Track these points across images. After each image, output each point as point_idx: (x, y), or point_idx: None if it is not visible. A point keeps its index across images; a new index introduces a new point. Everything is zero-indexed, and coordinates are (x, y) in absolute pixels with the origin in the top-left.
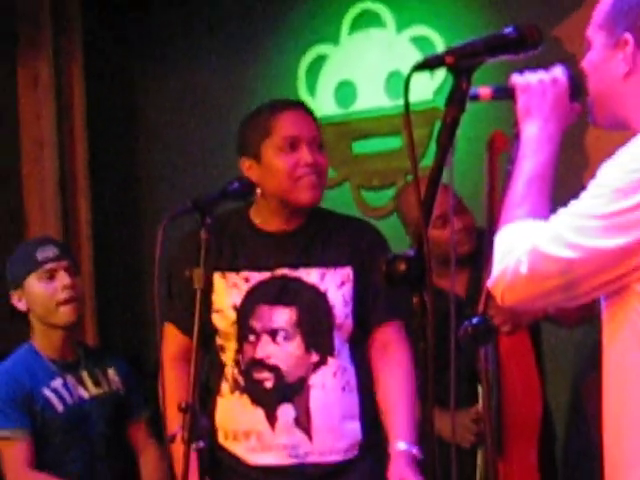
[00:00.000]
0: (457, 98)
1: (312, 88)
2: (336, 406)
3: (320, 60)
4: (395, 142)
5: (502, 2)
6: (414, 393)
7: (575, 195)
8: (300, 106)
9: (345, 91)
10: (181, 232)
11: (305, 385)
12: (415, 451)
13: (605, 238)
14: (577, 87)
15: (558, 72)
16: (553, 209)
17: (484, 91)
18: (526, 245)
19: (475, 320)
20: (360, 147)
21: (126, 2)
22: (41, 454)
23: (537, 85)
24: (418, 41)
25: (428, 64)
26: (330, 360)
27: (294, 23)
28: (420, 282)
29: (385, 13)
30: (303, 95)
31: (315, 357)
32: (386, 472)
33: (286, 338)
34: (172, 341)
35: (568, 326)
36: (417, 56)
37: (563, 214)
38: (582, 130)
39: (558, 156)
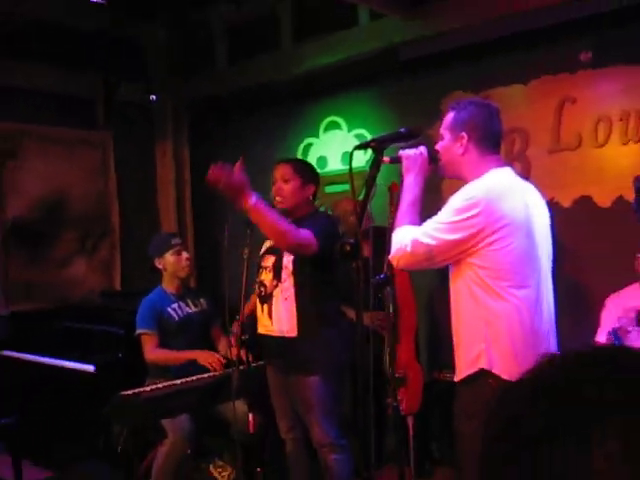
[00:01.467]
0: (376, 164)
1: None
2: (281, 307)
3: (309, 146)
4: (346, 187)
5: (402, 116)
6: None
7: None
8: (281, 162)
9: (321, 161)
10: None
11: (272, 295)
12: None
13: (450, 234)
14: (432, 157)
15: (422, 149)
16: (423, 220)
17: (386, 159)
18: (411, 237)
19: (382, 275)
20: (329, 189)
21: (212, 114)
22: (165, 342)
23: (412, 155)
24: (359, 136)
25: (362, 146)
26: (280, 284)
27: (296, 127)
28: (357, 256)
29: (342, 122)
30: None
31: (275, 282)
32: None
33: (269, 271)
34: None
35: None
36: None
37: (430, 221)
38: (440, 181)
39: (423, 193)
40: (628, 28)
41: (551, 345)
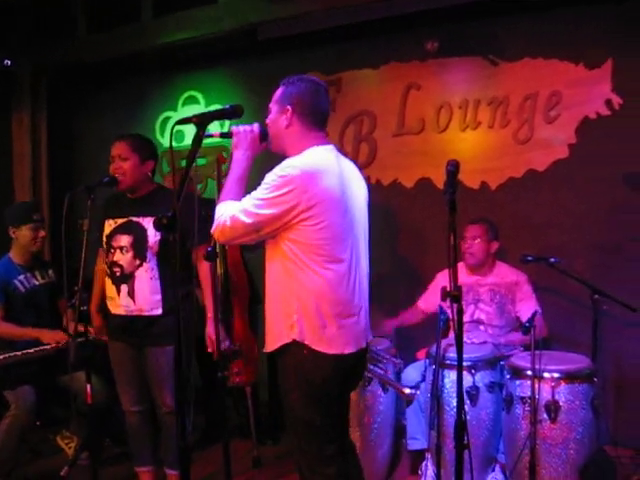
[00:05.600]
0: (197, 140)
1: (162, 133)
2: (146, 287)
3: (167, 119)
4: (201, 161)
5: (258, 94)
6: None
7: None
8: (117, 139)
9: (179, 135)
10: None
11: (133, 275)
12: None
13: (265, 210)
14: (264, 135)
15: (255, 126)
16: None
17: (216, 133)
18: (230, 212)
19: (210, 249)
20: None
21: (72, 84)
22: (10, 315)
23: (242, 132)
24: None
25: (183, 121)
26: (144, 264)
27: (155, 100)
28: (173, 228)
29: (200, 97)
30: (158, 137)
31: (138, 261)
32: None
33: (126, 251)
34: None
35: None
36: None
37: (248, 197)
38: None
39: (250, 169)
40: (471, 22)
41: (362, 316)
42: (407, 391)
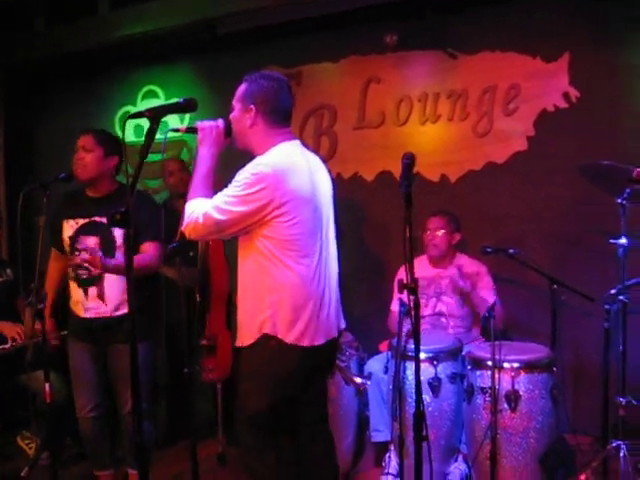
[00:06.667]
0: (150, 133)
1: (122, 128)
2: (115, 287)
3: (126, 113)
4: (159, 156)
5: (218, 89)
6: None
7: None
8: (83, 132)
9: (139, 129)
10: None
11: (102, 277)
12: None
13: (237, 207)
14: (229, 130)
15: (220, 121)
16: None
17: (182, 128)
18: (202, 210)
19: (174, 244)
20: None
21: (30, 79)
22: None
23: (208, 127)
24: None
25: (136, 115)
26: None
27: (115, 95)
28: (128, 223)
29: (160, 91)
30: (118, 131)
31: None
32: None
33: (93, 252)
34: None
35: None
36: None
37: (220, 195)
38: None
39: (216, 165)
40: (429, 15)
41: (332, 308)
42: (359, 380)
